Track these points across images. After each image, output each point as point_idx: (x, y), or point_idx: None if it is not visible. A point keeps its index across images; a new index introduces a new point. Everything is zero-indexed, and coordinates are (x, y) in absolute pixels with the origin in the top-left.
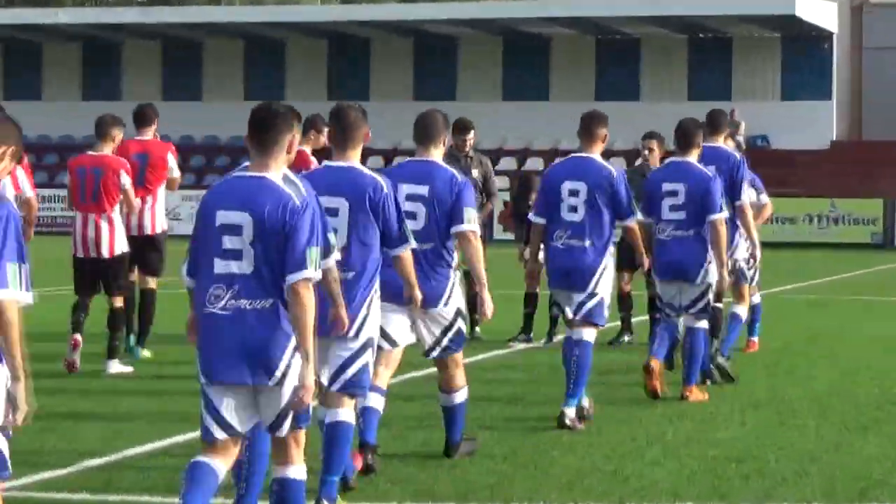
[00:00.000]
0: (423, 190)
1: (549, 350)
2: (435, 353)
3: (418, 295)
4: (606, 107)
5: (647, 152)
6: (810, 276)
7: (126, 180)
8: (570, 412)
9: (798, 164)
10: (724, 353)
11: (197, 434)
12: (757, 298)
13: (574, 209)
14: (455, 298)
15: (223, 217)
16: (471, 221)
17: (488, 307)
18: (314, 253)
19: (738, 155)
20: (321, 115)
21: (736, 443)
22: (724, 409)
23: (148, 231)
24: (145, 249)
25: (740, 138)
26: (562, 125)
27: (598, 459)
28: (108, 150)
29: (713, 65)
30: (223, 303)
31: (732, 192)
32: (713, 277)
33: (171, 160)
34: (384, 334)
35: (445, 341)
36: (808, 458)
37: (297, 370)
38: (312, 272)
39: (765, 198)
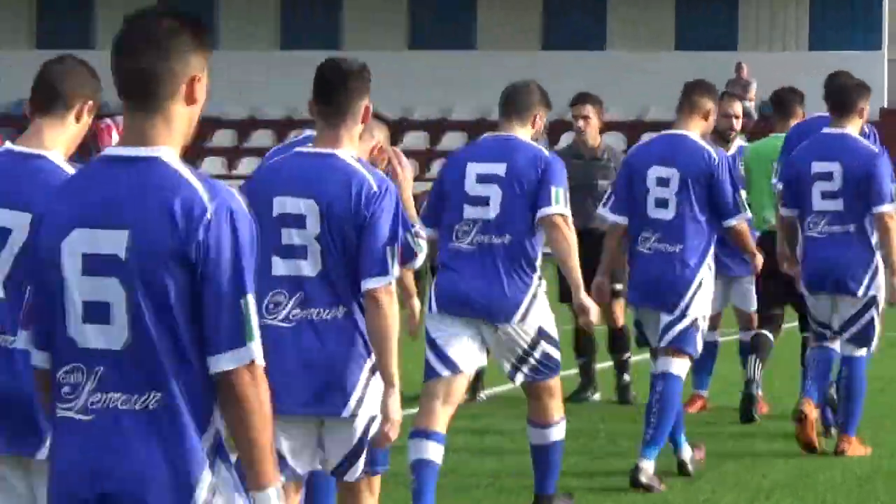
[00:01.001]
0: (500, 168)
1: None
2: (519, 379)
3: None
4: (559, 58)
5: (580, 123)
6: None
7: None
8: (648, 467)
9: None
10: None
11: None
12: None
13: (664, 203)
14: (536, 313)
15: (282, 205)
16: (559, 202)
17: (593, 313)
18: (395, 251)
19: (873, 146)
20: None
21: None
22: (726, 497)
23: None
24: None
25: (750, 104)
26: (494, 84)
27: None
28: None
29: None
30: (285, 312)
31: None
32: (880, 290)
33: None
34: (442, 356)
35: (527, 368)
36: None
37: (375, 397)
38: (395, 274)
39: None
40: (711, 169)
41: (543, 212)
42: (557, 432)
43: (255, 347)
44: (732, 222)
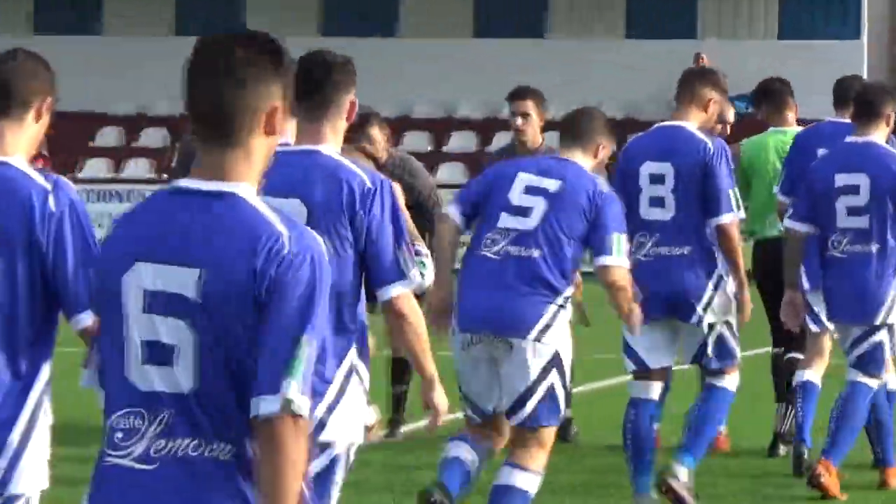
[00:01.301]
0: (553, 185)
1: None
2: (516, 420)
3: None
4: (493, 46)
5: (519, 120)
6: None
7: None
8: (680, 473)
9: None
10: None
11: None
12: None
13: (659, 202)
14: (555, 335)
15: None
16: (621, 253)
17: None
18: (407, 251)
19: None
20: None
21: None
22: None
23: None
24: None
25: None
26: (418, 77)
27: None
28: None
29: None
30: None
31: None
32: None
33: None
34: (475, 408)
35: (530, 405)
36: None
37: (343, 418)
38: (412, 279)
39: None
40: (706, 158)
41: (602, 261)
42: (527, 481)
43: (302, 395)
44: (723, 220)
